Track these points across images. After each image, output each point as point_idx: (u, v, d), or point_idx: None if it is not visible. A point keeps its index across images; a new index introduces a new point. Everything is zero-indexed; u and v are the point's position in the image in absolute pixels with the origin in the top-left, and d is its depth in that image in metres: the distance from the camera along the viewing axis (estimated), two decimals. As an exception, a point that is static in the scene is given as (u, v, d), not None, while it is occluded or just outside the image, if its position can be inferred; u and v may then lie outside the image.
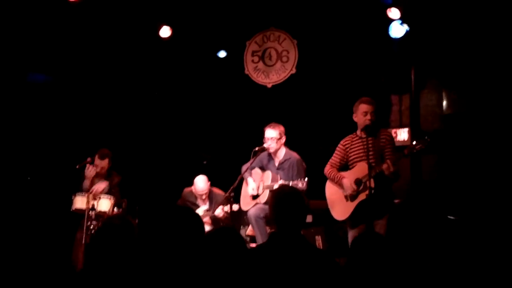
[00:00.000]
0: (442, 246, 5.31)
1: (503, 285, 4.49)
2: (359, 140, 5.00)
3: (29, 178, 6.84)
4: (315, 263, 2.90)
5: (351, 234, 4.94)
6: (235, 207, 6.04)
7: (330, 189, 5.19)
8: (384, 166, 4.68)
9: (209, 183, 6.58)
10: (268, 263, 2.87)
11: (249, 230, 6.21)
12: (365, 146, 4.81)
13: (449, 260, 5.00)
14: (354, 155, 5.05)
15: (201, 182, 6.52)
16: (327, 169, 5.22)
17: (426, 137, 4.63)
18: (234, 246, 2.65)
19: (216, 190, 6.58)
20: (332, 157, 5.24)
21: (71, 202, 6.05)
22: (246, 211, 5.89)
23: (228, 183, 5.96)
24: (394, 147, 4.99)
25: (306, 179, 5.29)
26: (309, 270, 2.86)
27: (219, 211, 6.28)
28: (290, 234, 3.02)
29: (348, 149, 5.12)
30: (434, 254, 5.14)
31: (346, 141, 5.17)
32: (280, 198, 3.12)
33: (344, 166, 5.20)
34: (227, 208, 6.03)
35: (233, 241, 2.69)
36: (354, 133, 5.13)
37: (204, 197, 6.53)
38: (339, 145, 5.22)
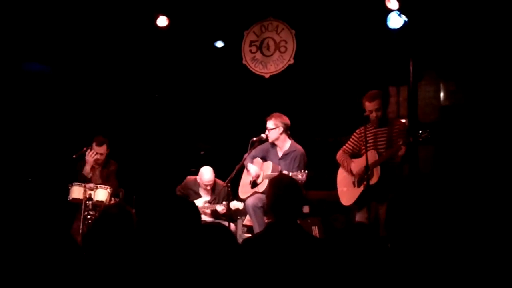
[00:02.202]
0: (438, 238, 5.32)
1: (501, 274, 4.49)
2: (372, 130, 5.19)
3: (30, 179, 6.81)
4: (312, 252, 2.90)
5: (358, 216, 5.16)
6: (238, 204, 6.06)
7: (341, 175, 5.41)
8: (401, 151, 4.86)
9: (214, 174, 6.57)
10: (265, 252, 2.87)
11: (246, 220, 6.21)
12: (371, 136, 5.05)
13: (445, 253, 5.02)
14: (363, 144, 5.18)
15: (207, 173, 6.52)
16: (339, 155, 5.44)
17: (427, 130, 4.82)
18: (223, 241, 2.65)
19: (219, 181, 6.58)
20: (346, 144, 5.45)
21: (67, 192, 6.05)
22: (244, 200, 5.91)
23: (226, 173, 5.98)
24: (407, 136, 5.07)
25: (306, 171, 5.36)
26: (307, 258, 2.86)
27: (222, 208, 6.26)
28: (287, 224, 3.02)
29: (362, 138, 5.25)
30: (430, 246, 5.15)
31: (362, 130, 5.28)
32: (278, 188, 3.13)
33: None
34: (232, 205, 6.05)
35: (223, 237, 2.68)
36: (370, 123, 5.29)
37: (209, 187, 6.53)
38: (354, 133, 5.42)
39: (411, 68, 6.68)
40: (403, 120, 6.67)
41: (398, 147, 4.87)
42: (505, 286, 4.03)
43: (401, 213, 3.08)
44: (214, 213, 6.47)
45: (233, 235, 2.71)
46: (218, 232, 2.66)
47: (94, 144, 6.32)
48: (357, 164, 5.20)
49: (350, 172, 5.25)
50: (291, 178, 3.45)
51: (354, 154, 5.38)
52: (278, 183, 3.17)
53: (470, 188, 5.99)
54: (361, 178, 5.10)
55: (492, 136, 6.07)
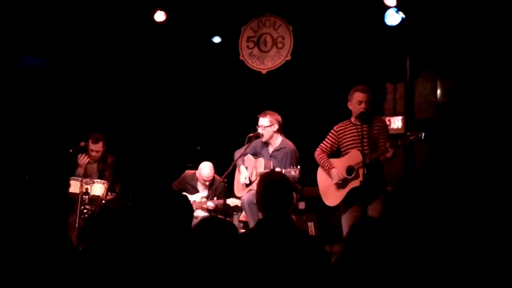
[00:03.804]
0: (436, 233, 5.34)
1: (499, 268, 4.51)
2: (353, 127, 5.01)
3: (27, 177, 6.79)
4: (302, 249, 2.90)
5: (344, 218, 5.00)
6: (236, 202, 6.08)
7: (321, 176, 5.21)
8: (388, 154, 4.71)
9: (214, 170, 6.57)
10: (256, 249, 2.87)
11: (242, 216, 6.23)
12: (360, 134, 4.83)
13: (443, 249, 5.03)
14: (347, 142, 5.04)
15: (207, 169, 6.52)
16: (317, 154, 5.22)
17: (421, 131, 4.62)
18: (225, 235, 2.65)
19: (218, 178, 6.58)
20: (324, 142, 5.23)
21: (67, 186, 6.04)
22: (240, 197, 5.92)
23: (223, 169, 5.98)
24: (388, 134, 5.01)
25: (298, 167, 5.32)
26: (297, 255, 2.85)
27: (212, 205, 6.28)
28: (277, 220, 3.02)
29: (341, 135, 5.11)
30: (428, 242, 5.16)
31: (340, 127, 5.15)
32: (266, 184, 3.12)
33: (336, 152, 5.21)
34: (231, 201, 6.07)
35: (225, 230, 2.69)
36: (348, 120, 5.12)
37: (207, 183, 6.54)
38: (331, 131, 5.20)
39: (408, 65, 6.70)
40: (399, 117, 6.70)
41: (385, 149, 4.70)
42: (502, 282, 4.05)
43: (398, 210, 3.09)
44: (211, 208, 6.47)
45: (235, 231, 2.71)
46: (220, 227, 2.66)
47: (90, 141, 6.32)
48: (339, 165, 5.01)
49: (330, 173, 5.03)
50: (280, 174, 3.43)
51: (333, 153, 5.18)
52: (267, 180, 3.15)
53: (467, 185, 6.01)
54: (345, 179, 4.91)
55: (488, 133, 6.08)
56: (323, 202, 5.19)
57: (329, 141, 5.19)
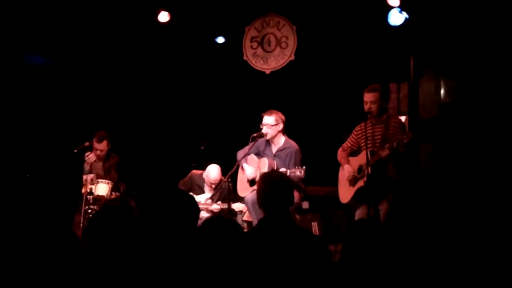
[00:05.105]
0: (440, 235, 5.35)
1: (501, 271, 4.51)
2: (369, 128, 5.13)
3: (28, 175, 6.83)
4: (303, 247, 2.91)
5: (357, 214, 5.15)
6: (241, 207, 6.09)
7: (340, 172, 5.44)
8: (383, 153, 4.81)
9: (221, 173, 6.57)
10: (257, 248, 2.88)
11: (246, 216, 6.23)
12: (372, 133, 5.03)
13: (445, 249, 5.04)
14: (362, 141, 5.17)
15: (214, 171, 6.51)
16: (338, 152, 5.47)
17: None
18: (231, 234, 2.66)
19: (222, 178, 6.58)
20: (346, 141, 5.47)
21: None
22: (243, 197, 5.92)
23: (226, 168, 5.99)
24: (403, 134, 5.04)
25: (304, 167, 5.37)
26: (297, 253, 2.86)
27: (217, 208, 6.30)
28: (278, 219, 3.04)
29: (359, 135, 5.30)
30: (432, 244, 5.17)
31: (359, 127, 5.33)
32: (266, 183, 3.15)
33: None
34: (236, 206, 6.10)
35: (230, 230, 2.70)
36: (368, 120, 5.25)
37: (214, 185, 6.55)
38: (354, 130, 5.42)
39: (411, 64, 6.69)
40: (403, 117, 6.69)
41: (384, 149, 4.82)
42: (505, 281, 4.05)
43: (402, 209, 3.09)
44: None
45: (241, 231, 2.71)
46: (226, 226, 2.67)
47: (94, 140, 6.35)
48: (351, 164, 5.26)
49: (343, 169, 5.31)
50: (280, 173, 3.46)
51: (354, 152, 5.38)
52: (267, 179, 3.18)
53: (470, 184, 6.01)
54: (355, 177, 5.14)
55: (492, 132, 6.08)
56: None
57: (349, 141, 5.43)
